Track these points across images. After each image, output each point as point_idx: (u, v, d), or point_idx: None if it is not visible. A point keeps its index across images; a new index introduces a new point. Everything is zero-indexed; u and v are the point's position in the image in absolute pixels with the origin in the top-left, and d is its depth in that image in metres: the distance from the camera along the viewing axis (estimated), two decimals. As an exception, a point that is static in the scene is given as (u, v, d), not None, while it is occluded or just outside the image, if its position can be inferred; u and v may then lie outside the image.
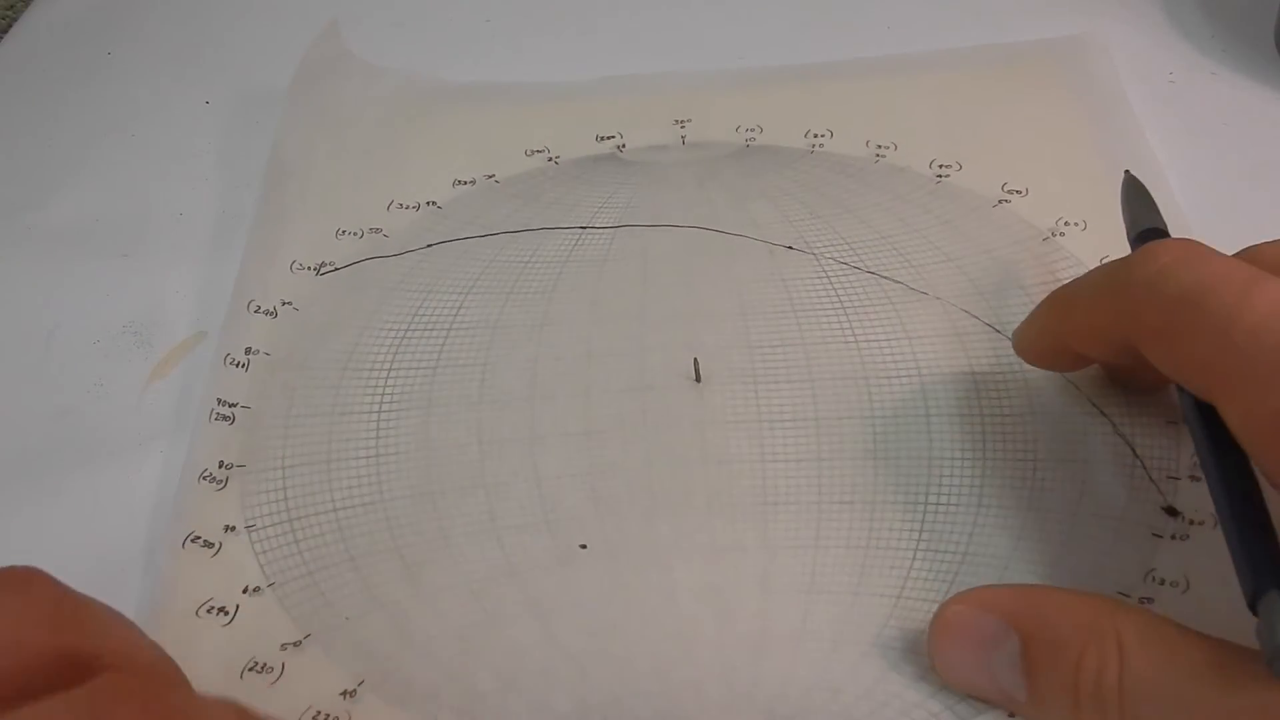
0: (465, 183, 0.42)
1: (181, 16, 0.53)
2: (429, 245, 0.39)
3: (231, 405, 0.34)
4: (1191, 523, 0.29)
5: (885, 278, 0.36)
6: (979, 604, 0.26)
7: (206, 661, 0.28)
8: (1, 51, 0.52)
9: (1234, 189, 0.39)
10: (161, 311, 0.39)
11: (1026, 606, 0.25)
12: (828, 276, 0.37)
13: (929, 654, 0.27)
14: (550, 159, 0.43)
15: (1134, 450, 0.31)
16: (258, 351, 0.36)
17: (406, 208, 0.41)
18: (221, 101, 0.48)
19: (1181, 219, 0.36)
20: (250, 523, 0.32)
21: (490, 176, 0.42)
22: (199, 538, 0.31)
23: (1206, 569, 0.28)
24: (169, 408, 0.36)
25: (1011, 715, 0.26)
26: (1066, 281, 0.30)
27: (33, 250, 0.42)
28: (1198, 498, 0.30)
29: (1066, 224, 0.38)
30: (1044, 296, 0.31)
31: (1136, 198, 0.33)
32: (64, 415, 0.36)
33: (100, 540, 0.32)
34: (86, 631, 0.22)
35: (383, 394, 0.35)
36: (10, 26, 0.54)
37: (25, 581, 0.22)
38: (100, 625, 0.22)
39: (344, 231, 0.40)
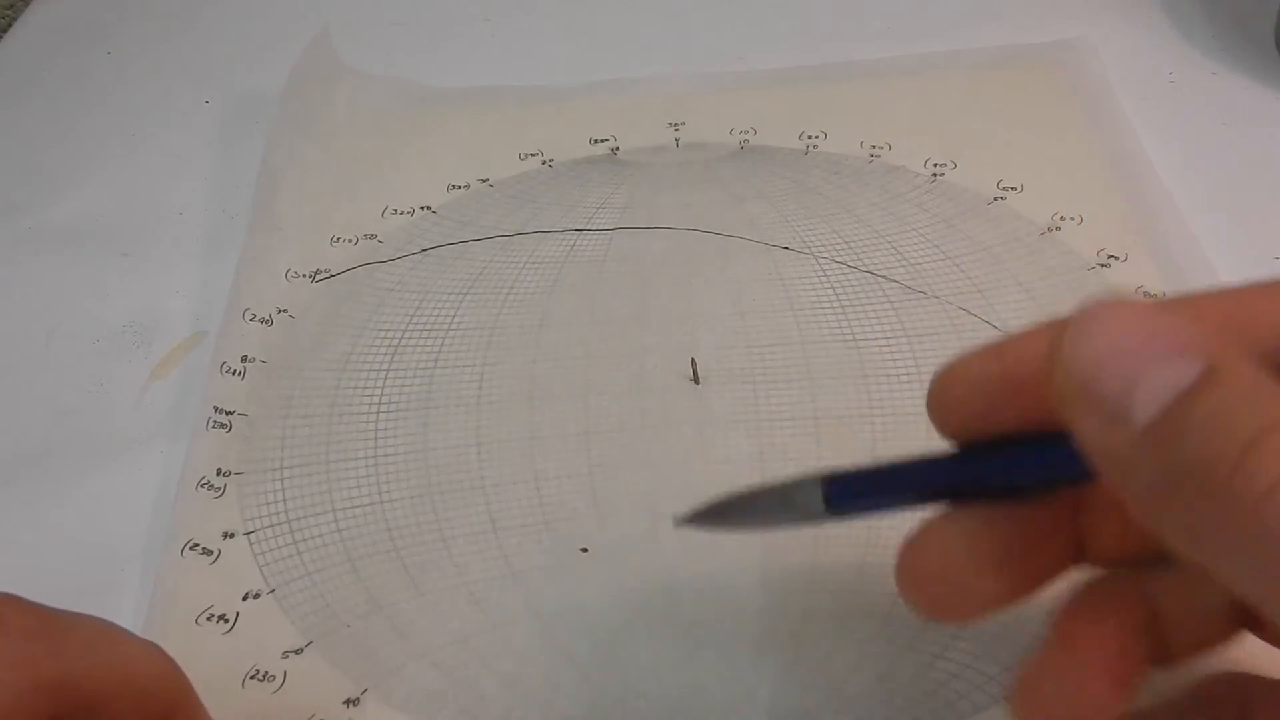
0: (459, 187, 0.42)
1: (181, 17, 0.53)
2: (424, 250, 0.39)
3: (228, 413, 0.34)
4: None
5: (883, 276, 0.36)
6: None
7: (207, 670, 0.28)
8: (1, 51, 0.52)
9: (1234, 188, 0.39)
10: (161, 311, 0.39)
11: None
12: (825, 276, 0.37)
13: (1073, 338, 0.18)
14: (545, 162, 0.43)
15: None
16: (254, 359, 0.36)
17: (401, 213, 0.41)
18: (221, 101, 0.48)
19: (1180, 218, 0.37)
20: (250, 528, 0.32)
21: (484, 180, 0.42)
22: (197, 545, 0.31)
23: None
24: (169, 408, 0.36)
25: None
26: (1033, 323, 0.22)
27: (33, 250, 0.42)
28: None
29: (1063, 219, 0.38)
30: (1043, 291, 0.30)
31: None
32: (64, 415, 0.36)
33: (100, 540, 0.32)
34: (73, 660, 0.21)
35: (381, 397, 0.35)
36: (10, 26, 0.54)
37: None
38: (88, 649, 0.21)
39: (338, 238, 0.40)
